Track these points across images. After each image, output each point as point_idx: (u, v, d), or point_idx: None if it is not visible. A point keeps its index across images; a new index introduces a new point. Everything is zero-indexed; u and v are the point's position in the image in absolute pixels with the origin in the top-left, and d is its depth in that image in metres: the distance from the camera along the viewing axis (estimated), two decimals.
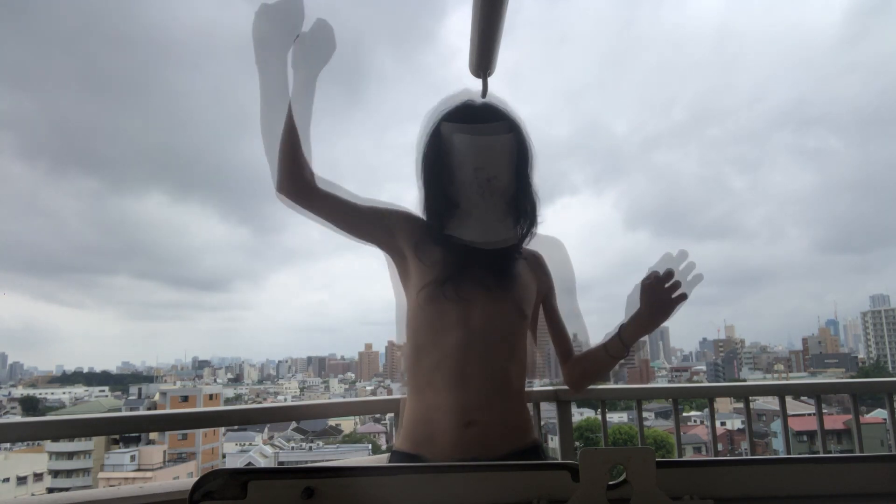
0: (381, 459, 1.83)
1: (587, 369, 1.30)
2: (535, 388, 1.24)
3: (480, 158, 1.12)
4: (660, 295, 1.17)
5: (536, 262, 1.27)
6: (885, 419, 1.88)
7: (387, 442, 33.50)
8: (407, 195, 1.22)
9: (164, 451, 32.37)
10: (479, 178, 1.11)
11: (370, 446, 32.76)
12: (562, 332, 1.32)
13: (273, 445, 36.75)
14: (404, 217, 1.20)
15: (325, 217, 1.16)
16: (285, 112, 1.10)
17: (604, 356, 1.25)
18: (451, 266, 1.14)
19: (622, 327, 1.22)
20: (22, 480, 28.14)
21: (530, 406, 1.35)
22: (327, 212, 1.16)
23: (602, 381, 1.30)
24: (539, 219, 1.21)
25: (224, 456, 35.51)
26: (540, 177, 1.20)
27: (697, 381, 25.08)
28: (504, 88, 1.19)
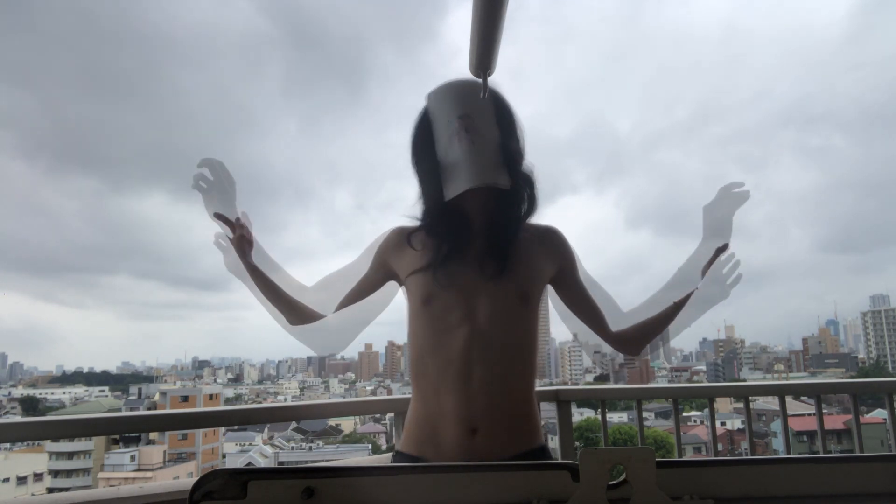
0: (382, 459, 1.83)
1: (650, 333, 1.30)
2: (535, 389, 1.22)
3: (457, 103, 1.13)
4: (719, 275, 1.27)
5: (548, 237, 1.22)
6: (885, 419, 1.88)
7: (387, 442, 33.52)
8: (407, 193, 1.23)
9: (164, 451, 32.36)
10: (459, 121, 1.11)
11: (370, 446, 32.75)
12: (590, 303, 1.27)
13: (273, 445, 36.74)
14: (393, 233, 1.24)
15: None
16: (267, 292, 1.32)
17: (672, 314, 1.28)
18: (445, 251, 1.12)
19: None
20: (22, 480, 28.14)
21: None
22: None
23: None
24: (534, 175, 1.19)
25: (224, 456, 35.50)
26: (541, 175, 1.18)
27: (697, 381, 25.09)
28: (505, 86, 1.19)
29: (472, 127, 1.11)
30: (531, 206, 1.18)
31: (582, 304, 1.27)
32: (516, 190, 1.15)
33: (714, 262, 1.27)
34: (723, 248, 1.27)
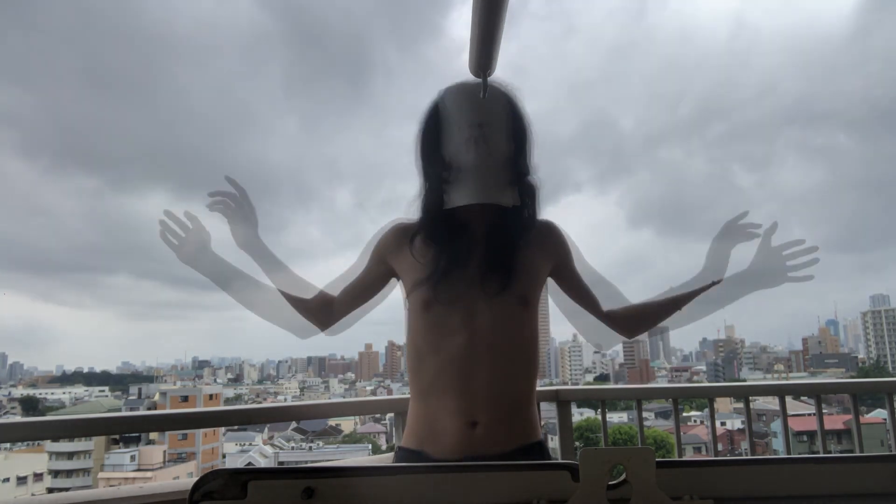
0: (382, 459, 1.83)
1: (650, 317, 1.31)
2: (536, 388, 1.22)
3: (472, 110, 1.12)
4: (777, 258, 1.27)
5: (545, 233, 1.22)
6: (885, 419, 1.88)
7: (387, 442, 33.52)
8: (408, 193, 1.23)
9: (164, 451, 32.36)
10: (472, 129, 1.10)
11: (370, 446, 32.76)
12: (586, 292, 1.28)
13: (273, 445, 36.75)
14: (392, 230, 1.22)
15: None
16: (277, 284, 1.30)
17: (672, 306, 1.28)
18: (445, 263, 1.11)
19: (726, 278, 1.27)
20: (22, 480, 28.14)
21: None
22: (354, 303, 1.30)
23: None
24: (539, 189, 1.19)
25: (224, 456, 35.50)
26: (543, 174, 1.19)
27: (697, 381, 25.12)
28: (507, 83, 1.19)
29: (487, 138, 1.10)
30: (531, 218, 1.19)
31: (579, 290, 1.28)
32: (520, 204, 1.16)
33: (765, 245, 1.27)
34: (716, 282, 1.26)
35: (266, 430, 39.76)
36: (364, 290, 1.27)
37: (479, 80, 1.19)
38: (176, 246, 1.29)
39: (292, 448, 35.68)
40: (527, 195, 1.17)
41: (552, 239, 1.23)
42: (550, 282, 1.26)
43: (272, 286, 1.29)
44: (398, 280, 1.24)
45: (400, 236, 1.20)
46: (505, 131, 1.13)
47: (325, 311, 1.30)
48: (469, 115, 1.11)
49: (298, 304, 1.29)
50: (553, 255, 1.22)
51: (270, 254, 1.30)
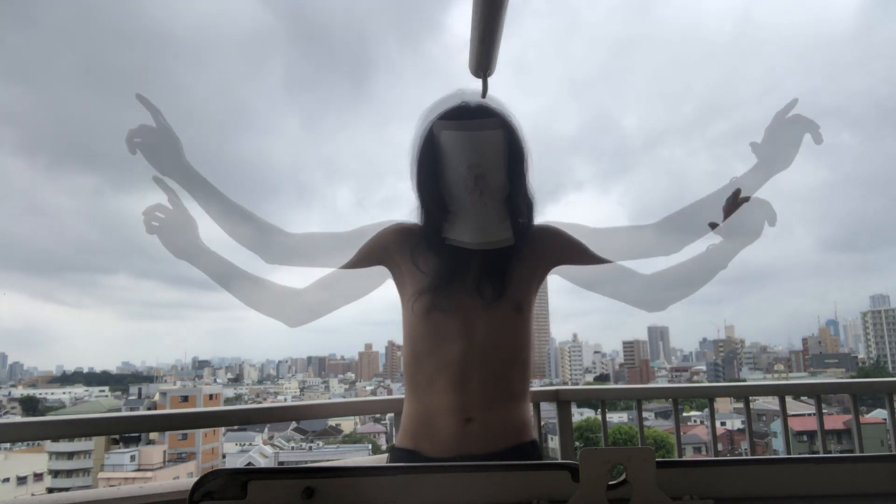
0: (381, 459, 1.83)
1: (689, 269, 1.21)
2: (535, 388, 1.22)
3: (470, 155, 1.09)
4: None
5: (544, 238, 1.21)
6: (885, 419, 1.88)
7: (387, 442, 33.50)
8: (408, 193, 1.19)
9: (164, 451, 32.37)
10: (469, 175, 1.09)
11: (370, 446, 32.77)
12: (608, 265, 1.23)
13: (273, 445, 36.75)
14: (395, 230, 1.21)
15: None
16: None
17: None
18: (445, 273, 1.12)
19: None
20: (22, 480, 28.15)
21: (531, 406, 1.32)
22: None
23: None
24: (535, 218, 1.19)
25: (224, 456, 35.51)
26: (545, 173, 1.19)
27: (697, 381, 25.11)
28: (508, 81, 1.17)
29: (484, 183, 1.09)
30: (527, 224, 1.19)
31: (602, 268, 1.25)
32: (514, 216, 1.16)
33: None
34: (712, 225, 1.18)
35: (266, 430, 39.76)
36: (350, 280, 1.24)
37: (471, 106, 1.16)
38: (161, 230, 1.15)
39: (292, 448, 35.70)
40: (523, 205, 1.17)
41: (551, 243, 1.22)
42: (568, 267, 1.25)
43: (267, 281, 1.22)
44: (395, 283, 1.23)
45: (404, 237, 1.19)
46: (501, 169, 1.11)
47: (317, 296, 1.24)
48: (465, 155, 1.09)
49: (292, 294, 1.23)
50: (549, 258, 1.22)
51: (200, 177, 1.20)
